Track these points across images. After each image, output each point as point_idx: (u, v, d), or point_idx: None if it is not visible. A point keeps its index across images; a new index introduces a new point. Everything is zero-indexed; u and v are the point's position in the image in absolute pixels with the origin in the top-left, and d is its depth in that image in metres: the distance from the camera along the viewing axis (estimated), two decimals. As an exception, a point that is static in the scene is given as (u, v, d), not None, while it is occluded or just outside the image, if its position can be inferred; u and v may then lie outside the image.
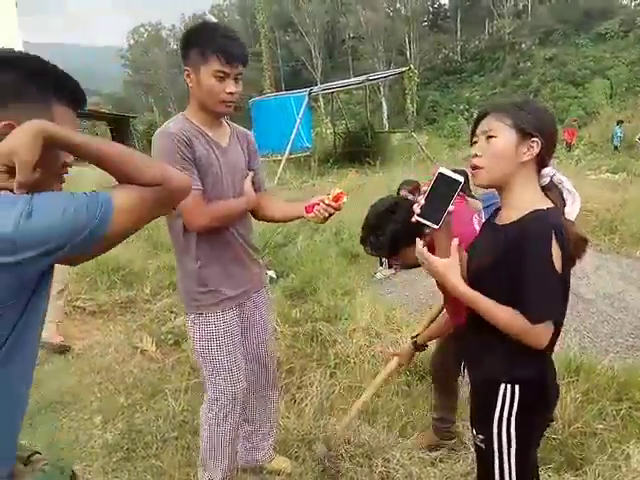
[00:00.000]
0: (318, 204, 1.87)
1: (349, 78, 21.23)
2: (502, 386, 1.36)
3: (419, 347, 2.23)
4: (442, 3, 50.43)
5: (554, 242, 1.24)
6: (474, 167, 1.38)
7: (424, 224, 1.36)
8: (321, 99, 23.17)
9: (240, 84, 1.80)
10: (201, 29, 1.77)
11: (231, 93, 1.75)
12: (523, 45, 35.99)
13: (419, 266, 1.53)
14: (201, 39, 1.73)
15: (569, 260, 1.30)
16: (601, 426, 2.49)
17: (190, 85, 1.78)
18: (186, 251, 1.88)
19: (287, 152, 12.09)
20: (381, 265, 5.38)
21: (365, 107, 19.18)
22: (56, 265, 0.91)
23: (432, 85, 38.82)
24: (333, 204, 1.85)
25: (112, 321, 4.09)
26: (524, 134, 1.33)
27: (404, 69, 16.68)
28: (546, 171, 1.37)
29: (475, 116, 1.48)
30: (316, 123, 20.61)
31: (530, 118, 1.34)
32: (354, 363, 3.17)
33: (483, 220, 1.79)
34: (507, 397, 1.35)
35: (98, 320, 4.13)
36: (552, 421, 1.50)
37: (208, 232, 1.83)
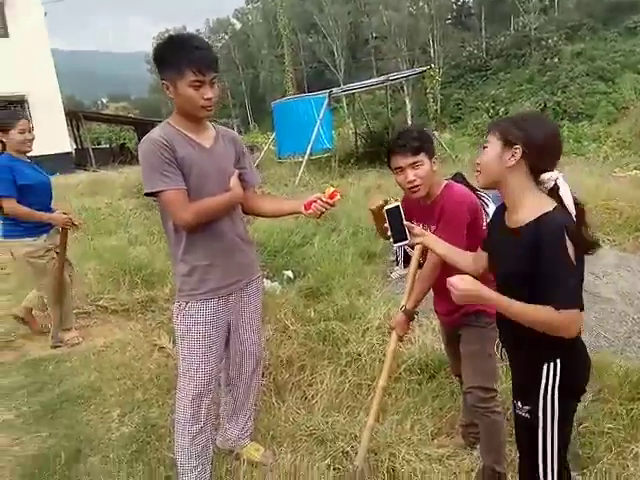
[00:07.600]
0: (315, 201, 2.01)
1: (372, 78, 21.19)
2: (545, 365, 1.56)
3: (409, 313, 2.17)
4: (466, 0, 49.77)
5: (566, 238, 1.42)
6: (476, 171, 1.65)
7: (403, 246, 1.84)
8: (344, 100, 23.18)
9: (215, 86, 1.94)
10: (172, 44, 1.90)
11: (209, 99, 1.91)
12: (550, 41, 34.97)
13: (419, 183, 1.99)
14: (174, 54, 1.86)
15: (581, 254, 1.48)
16: (610, 425, 2.46)
17: (170, 96, 1.92)
18: (177, 243, 2.02)
19: (307, 153, 12.15)
20: (397, 265, 5.38)
21: (386, 107, 19.13)
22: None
23: (456, 83, 38.26)
24: (329, 201, 1.99)
25: (133, 320, 4.23)
26: (507, 143, 1.54)
27: (424, 69, 16.59)
28: (546, 176, 1.53)
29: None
30: (338, 124, 20.65)
31: (516, 131, 1.54)
32: (365, 361, 3.19)
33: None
34: (550, 374, 1.56)
35: (119, 319, 4.28)
36: (585, 392, 1.69)
37: (196, 227, 1.95)
